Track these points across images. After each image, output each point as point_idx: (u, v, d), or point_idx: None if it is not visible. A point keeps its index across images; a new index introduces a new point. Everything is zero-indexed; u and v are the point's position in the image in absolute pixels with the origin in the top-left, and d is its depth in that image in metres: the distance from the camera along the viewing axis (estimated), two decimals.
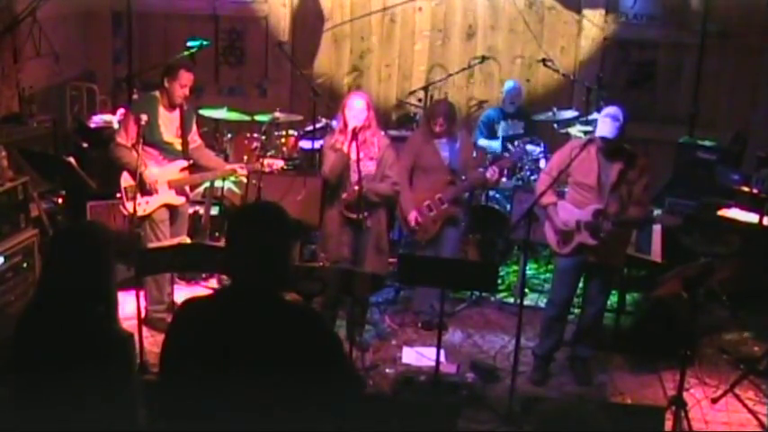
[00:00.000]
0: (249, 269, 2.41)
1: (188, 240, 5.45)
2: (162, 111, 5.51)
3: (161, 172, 5.53)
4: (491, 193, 6.97)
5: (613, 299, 5.99)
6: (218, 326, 2.38)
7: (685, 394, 4.61)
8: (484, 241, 6.89)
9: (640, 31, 8.00)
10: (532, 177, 6.73)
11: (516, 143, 7.00)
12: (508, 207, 6.68)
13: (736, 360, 5.60)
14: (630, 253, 5.59)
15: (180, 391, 2.40)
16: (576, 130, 6.92)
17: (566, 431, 2.09)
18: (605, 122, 4.91)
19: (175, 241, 5.27)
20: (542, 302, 6.06)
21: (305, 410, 2.38)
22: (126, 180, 5.48)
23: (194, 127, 5.80)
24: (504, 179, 6.58)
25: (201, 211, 6.71)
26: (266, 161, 5.78)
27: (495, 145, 7.15)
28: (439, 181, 5.74)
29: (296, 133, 7.16)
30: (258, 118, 7.14)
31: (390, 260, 5.98)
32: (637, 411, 4.61)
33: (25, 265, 5.44)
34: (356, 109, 5.21)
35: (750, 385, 5.22)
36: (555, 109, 7.31)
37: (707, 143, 7.08)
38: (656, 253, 5.70)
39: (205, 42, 7.15)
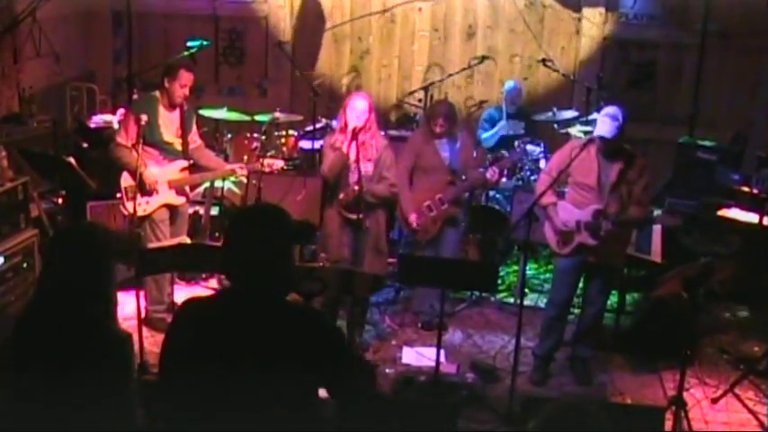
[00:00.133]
0: (249, 271, 2.40)
1: (188, 240, 5.45)
2: (162, 111, 5.51)
3: (161, 172, 5.53)
4: (491, 193, 6.97)
5: (613, 299, 5.99)
6: (219, 327, 2.38)
7: (685, 394, 4.61)
8: (484, 241, 6.89)
9: (640, 31, 8.00)
10: (532, 177, 6.73)
11: (516, 143, 7.00)
12: (508, 207, 6.68)
13: (736, 360, 5.60)
14: (630, 253, 5.59)
15: (180, 392, 2.40)
16: (575, 130, 6.92)
17: (568, 431, 2.09)
18: (604, 122, 4.92)
19: (175, 241, 5.27)
20: (542, 302, 6.06)
21: (307, 410, 2.38)
22: (126, 180, 5.48)
23: (194, 127, 5.80)
24: (504, 179, 6.58)
25: (201, 211, 6.70)
26: (266, 161, 5.78)
27: (494, 131, 7.16)
28: (439, 181, 5.74)
29: (296, 133, 7.16)
30: (258, 118, 7.14)
31: (390, 260, 5.98)
32: (637, 411, 4.61)
33: (25, 265, 5.44)
34: (358, 110, 5.21)
35: (750, 385, 5.22)
36: (555, 109, 7.31)
37: (707, 143, 7.08)
38: (656, 253, 5.70)
39: (205, 42, 7.16)
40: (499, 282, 6.22)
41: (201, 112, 6.81)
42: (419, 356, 5.49)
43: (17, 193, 5.49)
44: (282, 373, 2.32)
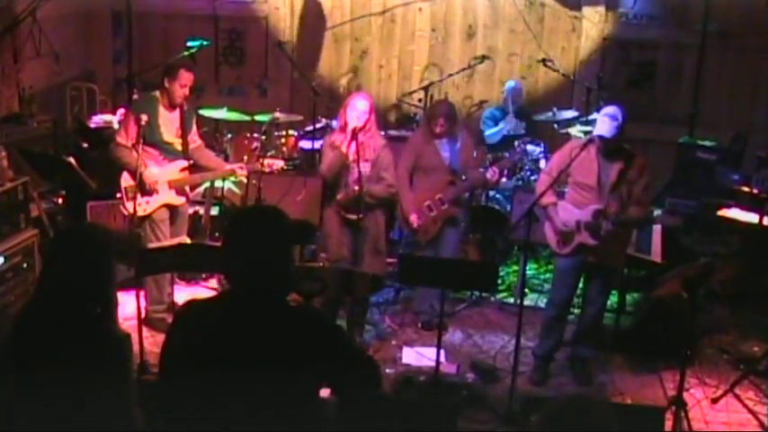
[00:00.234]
0: (248, 273, 2.40)
1: (188, 240, 5.45)
2: (162, 111, 5.51)
3: (161, 172, 5.53)
4: (491, 193, 6.97)
5: (613, 299, 5.99)
6: (219, 328, 2.38)
7: (685, 394, 4.61)
8: (484, 241, 6.89)
9: (640, 31, 8.00)
10: (532, 177, 6.73)
11: (516, 143, 7.00)
12: (508, 207, 6.67)
13: (736, 360, 5.60)
14: (630, 253, 5.59)
15: (180, 393, 2.40)
16: (576, 130, 6.92)
17: (570, 428, 2.08)
18: (604, 122, 4.92)
19: (175, 241, 5.27)
20: (542, 302, 6.06)
21: (308, 411, 2.37)
22: (126, 180, 5.48)
23: (194, 127, 5.80)
24: (504, 179, 6.59)
25: (201, 211, 6.70)
26: (266, 161, 5.78)
27: (499, 128, 7.15)
28: (439, 181, 5.74)
29: (296, 133, 7.16)
30: (258, 118, 7.14)
31: (390, 260, 5.98)
32: (637, 411, 4.61)
33: (25, 265, 5.44)
34: (358, 110, 5.21)
35: (750, 385, 5.22)
36: (555, 109, 7.31)
37: (707, 143, 7.08)
38: (656, 253, 5.70)
39: (205, 42, 7.16)
40: (499, 282, 6.22)
41: (201, 112, 6.81)
42: (419, 356, 5.49)
43: (17, 193, 5.48)
44: (283, 374, 2.32)
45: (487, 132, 7.32)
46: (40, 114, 7.17)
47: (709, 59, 7.75)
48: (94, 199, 6.13)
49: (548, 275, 6.72)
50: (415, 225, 5.69)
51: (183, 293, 6.15)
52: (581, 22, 8.06)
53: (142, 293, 5.32)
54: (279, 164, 5.80)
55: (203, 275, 6.48)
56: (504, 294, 6.54)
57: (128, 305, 5.04)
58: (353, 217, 5.26)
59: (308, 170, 6.71)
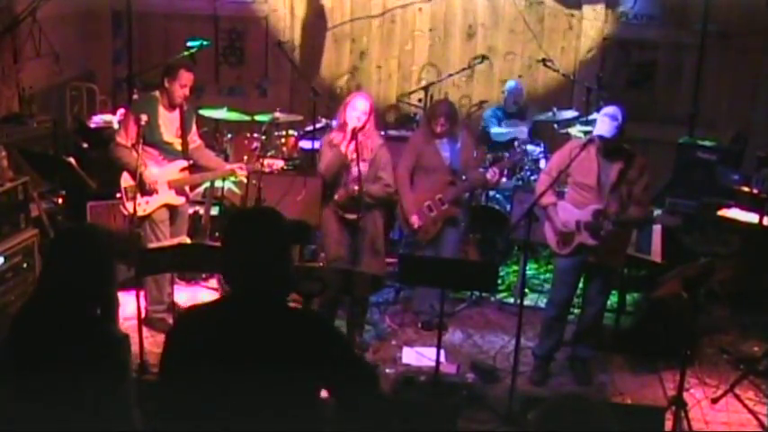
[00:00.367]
0: (248, 275, 2.40)
1: (188, 240, 5.45)
2: (162, 111, 5.51)
3: (161, 172, 5.53)
4: (491, 193, 6.97)
5: (613, 299, 5.99)
6: (219, 332, 2.37)
7: (685, 394, 4.61)
8: (484, 241, 6.89)
9: (640, 31, 8.00)
10: (532, 177, 6.73)
11: (516, 143, 7.00)
12: (508, 207, 6.67)
13: (736, 360, 5.60)
14: (630, 253, 5.59)
15: (180, 397, 2.40)
16: (576, 131, 6.91)
17: (566, 427, 2.08)
18: (604, 122, 4.92)
19: (175, 241, 5.27)
20: (542, 302, 6.06)
21: (309, 413, 2.37)
22: (126, 180, 5.48)
23: (194, 127, 5.80)
24: (504, 179, 6.58)
25: (201, 211, 6.70)
26: (266, 161, 5.78)
27: (509, 131, 7.15)
28: (439, 181, 5.74)
29: (296, 133, 7.16)
30: (258, 118, 7.14)
31: (389, 260, 5.98)
32: (637, 411, 4.61)
33: (25, 265, 5.44)
34: (359, 110, 5.21)
35: (750, 385, 5.22)
36: (555, 109, 7.31)
37: (707, 143, 7.08)
38: (656, 253, 5.70)
39: (205, 42, 7.16)
40: (499, 282, 6.22)
41: (201, 112, 6.81)
42: (419, 356, 5.49)
43: (17, 193, 5.48)
44: (283, 377, 2.31)
45: (494, 130, 7.31)
46: (40, 114, 7.17)
47: (710, 59, 7.75)
48: (94, 199, 6.13)
49: (548, 275, 6.72)
50: (416, 226, 5.70)
51: (183, 293, 6.16)
52: (581, 22, 8.06)
53: (142, 293, 5.32)
54: (279, 164, 5.80)
55: (203, 275, 6.48)
56: (504, 294, 6.54)
57: (128, 305, 5.04)
58: (352, 217, 5.26)
59: (308, 170, 6.71)
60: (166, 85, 5.47)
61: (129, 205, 5.41)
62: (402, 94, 8.20)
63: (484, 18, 8.23)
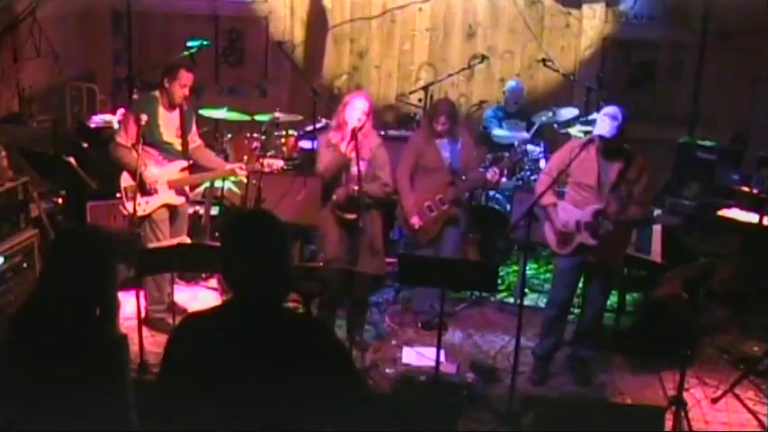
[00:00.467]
0: (249, 283, 2.39)
1: (188, 240, 5.45)
2: (162, 111, 5.51)
3: (161, 172, 5.52)
4: (491, 193, 6.96)
5: (613, 299, 5.99)
6: (222, 338, 2.37)
7: (685, 394, 4.61)
8: (484, 241, 6.89)
9: (640, 31, 8.00)
10: (532, 177, 6.73)
11: (516, 143, 6.99)
12: (508, 207, 6.67)
13: (736, 360, 5.60)
14: (630, 253, 5.59)
15: (180, 401, 2.39)
16: (576, 130, 6.91)
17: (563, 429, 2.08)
18: (604, 122, 4.92)
19: (175, 241, 5.27)
20: (542, 302, 6.06)
21: (308, 419, 2.37)
22: (126, 180, 5.48)
23: (194, 127, 5.80)
24: (504, 179, 6.58)
25: (201, 211, 6.70)
26: (266, 161, 5.77)
27: (512, 134, 7.14)
28: (440, 181, 5.74)
29: (296, 133, 7.16)
30: (258, 118, 7.14)
31: (389, 260, 5.98)
32: (637, 411, 4.61)
33: (25, 265, 5.44)
34: (359, 110, 5.21)
35: (750, 385, 5.22)
36: (555, 109, 7.31)
37: (707, 143, 7.08)
38: (656, 253, 5.70)
39: (205, 42, 7.16)
40: (499, 282, 6.22)
41: (201, 112, 6.81)
42: (419, 356, 5.48)
43: (17, 193, 5.49)
44: (283, 383, 2.31)
45: (496, 132, 7.30)
46: (40, 114, 7.18)
47: (709, 59, 7.76)
48: (94, 199, 6.13)
49: (548, 275, 6.72)
50: (417, 227, 5.69)
51: (183, 293, 6.16)
52: (581, 22, 8.06)
53: (142, 293, 5.32)
54: (279, 164, 5.80)
55: (203, 275, 6.47)
56: (504, 294, 6.53)
57: (128, 305, 5.03)
58: (352, 217, 5.26)
59: (309, 170, 6.71)
60: (166, 85, 5.46)
61: (129, 205, 5.41)
62: (400, 94, 8.20)
63: (484, 18, 8.23)
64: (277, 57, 8.23)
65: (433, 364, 4.98)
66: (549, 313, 5.37)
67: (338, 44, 8.47)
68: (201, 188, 6.44)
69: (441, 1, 8.25)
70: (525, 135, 7.15)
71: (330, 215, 5.36)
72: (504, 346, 5.69)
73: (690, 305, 4.62)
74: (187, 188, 5.71)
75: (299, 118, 7.23)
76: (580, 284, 5.40)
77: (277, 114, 6.96)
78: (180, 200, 5.67)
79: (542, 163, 6.78)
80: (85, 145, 7.12)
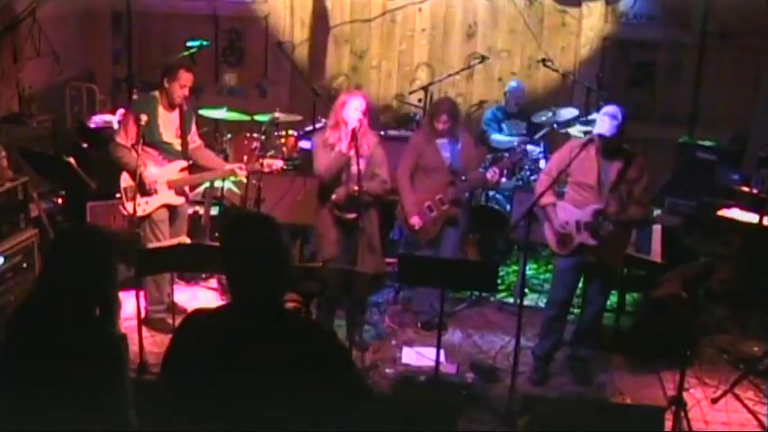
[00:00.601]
0: (249, 284, 2.39)
1: (188, 240, 5.45)
2: (161, 111, 5.51)
3: (160, 172, 5.52)
4: (491, 193, 6.97)
5: (613, 299, 5.99)
6: (224, 339, 2.37)
7: (685, 394, 4.62)
8: (484, 241, 6.89)
9: (640, 31, 8.00)
10: (532, 177, 6.73)
11: (516, 143, 7.00)
12: (508, 207, 6.67)
13: (736, 360, 5.60)
14: (630, 253, 5.59)
15: (180, 401, 2.39)
16: (575, 130, 6.91)
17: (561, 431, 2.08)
18: (604, 121, 4.92)
19: (175, 241, 5.27)
20: (542, 302, 6.06)
21: (308, 420, 2.37)
22: (125, 180, 5.48)
23: (194, 127, 5.80)
24: (504, 179, 6.58)
25: (201, 211, 6.71)
26: (266, 161, 5.77)
27: (511, 139, 7.13)
28: (440, 181, 5.74)
29: (296, 133, 7.16)
30: (258, 118, 7.14)
31: (389, 260, 5.98)
32: (637, 411, 4.61)
33: (25, 265, 5.44)
34: (358, 110, 5.20)
35: (750, 385, 5.21)
36: (555, 109, 7.31)
37: (707, 143, 7.09)
38: (656, 253, 5.70)
39: (205, 42, 7.16)
40: (499, 282, 6.22)
41: (201, 112, 6.81)
42: (419, 356, 5.48)
43: (17, 193, 5.49)
44: (283, 385, 2.31)
45: (495, 137, 7.29)
46: (39, 114, 7.18)
47: (710, 59, 7.76)
48: (94, 199, 6.13)
49: (548, 275, 6.72)
50: (417, 227, 5.69)
51: (183, 293, 6.16)
52: (580, 22, 8.07)
53: (142, 293, 5.32)
54: (278, 164, 5.80)
55: (203, 275, 6.47)
56: (504, 294, 6.53)
57: (128, 305, 5.04)
58: (352, 216, 5.25)
59: (308, 170, 6.71)
60: (166, 85, 5.46)
61: (129, 205, 5.41)
62: (398, 94, 8.20)
63: (483, 18, 8.23)
64: (277, 57, 8.23)
65: (432, 364, 4.98)
66: (548, 313, 5.37)
67: (338, 44, 8.47)
68: (201, 188, 6.44)
69: (440, 1, 8.25)
70: (525, 139, 7.14)
71: (328, 215, 5.35)
72: (504, 346, 5.69)
73: (690, 305, 4.62)
74: (187, 188, 5.71)
75: (299, 118, 7.24)
76: (580, 284, 5.39)
77: (277, 114, 6.96)
78: (179, 200, 5.67)
79: (542, 163, 6.78)
80: (85, 145, 7.13)
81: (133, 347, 4.85)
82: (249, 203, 6.18)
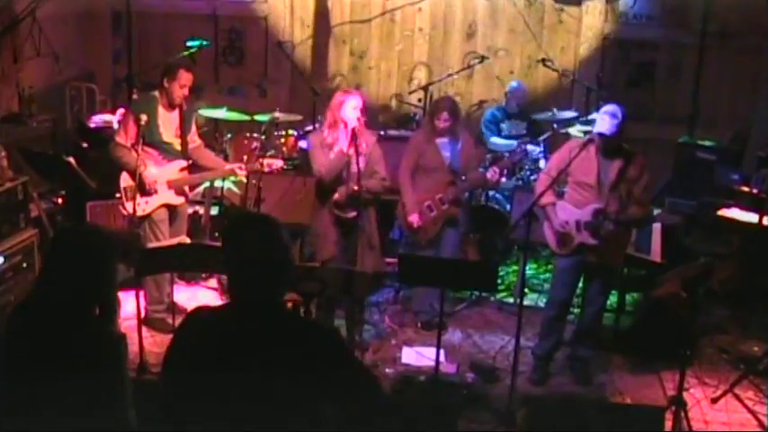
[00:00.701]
0: (252, 284, 2.39)
1: (188, 240, 5.45)
2: (161, 111, 5.51)
3: (160, 172, 5.53)
4: (491, 193, 6.97)
5: (613, 299, 5.99)
6: (227, 338, 2.37)
7: (685, 394, 4.61)
8: (484, 241, 6.89)
9: (640, 31, 8.01)
10: (532, 177, 6.73)
11: (516, 143, 7.00)
12: (508, 207, 6.67)
13: (736, 360, 5.60)
14: (630, 253, 5.59)
15: (180, 400, 2.39)
16: (575, 130, 6.91)
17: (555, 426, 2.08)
18: (604, 119, 4.91)
19: (175, 241, 5.27)
20: (542, 302, 6.05)
21: (309, 421, 2.37)
22: (125, 180, 5.48)
23: (194, 127, 5.80)
24: (504, 179, 6.58)
25: (201, 211, 6.71)
26: (266, 161, 5.77)
27: (509, 143, 7.13)
28: (440, 181, 5.74)
29: (296, 133, 7.16)
30: (258, 118, 7.14)
31: (389, 260, 5.98)
32: (637, 411, 4.61)
33: (25, 265, 5.44)
34: (356, 109, 5.19)
35: (750, 385, 5.21)
36: (555, 109, 7.31)
37: (707, 143, 7.09)
38: (655, 253, 5.70)
39: (205, 42, 7.16)
40: (499, 282, 6.22)
41: (201, 112, 6.81)
42: (419, 356, 5.48)
43: (17, 193, 5.49)
44: (286, 385, 2.31)
45: (493, 140, 7.29)
46: (39, 114, 7.18)
47: (709, 59, 7.76)
48: (94, 199, 6.13)
49: (548, 275, 6.72)
50: (416, 225, 5.69)
51: (182, 293, 6.16)
52: (580, 22, 8.07)
53: (142, 293, 5.32)
54: (278, 164, 5.80)
55: (203, 275, 6.47)
56: (504, 294, 6.53)
57: (128, 305, 5.04)
58: (352, 215, 5.25)
59: (308, 170, 6.71)
60: (166, 85, 5.46)
61: (129, 205, 5.41)
62: (396, 94, 8.20)
63: (483, 17, 8.23)
64: (277, 57, 8.23)
65: (432, 364, 4.97)
66: (548, 313, 5.37)
67: (338, 44, 8.47)
68: (201, 188, 6.44)
69: (440, 1, 8.25)
70: (523, 143, 7.13)
71: (328, 215, 5.33)
72: (503, 346, 5.69)
73: (690, 305, 4.62)
74: (186, 188, 5.71)
75: (299, 118, 7.24)
76: (580, 284, 5.39)
77: (277, 114, 6.96)
78: (179, 200, 5.67)
79: (542, 163, 6.78)
80: (85, 145, 7.13)
81: (133, 347, 4.85)
82: (249, 203, 6.17)
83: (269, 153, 6.67)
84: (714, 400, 5.05)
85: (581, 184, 5.04)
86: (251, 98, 8.40)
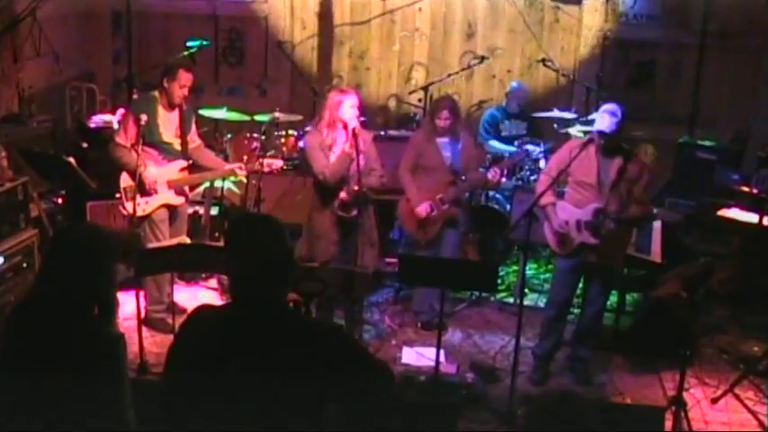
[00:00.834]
0: (253, 284, 2.39)
1: (188, 240, 5.45)
2: (161, 111, 5.51)
3: (160, 172, 5.52)
4: (491, 193, 6.97)
5: (613, 299, 5.99)
6: (229, 337, 2.37)
7: (685, 394, 4.61)
8: (484, 241, 6.89)
9: (640, 31, 8.01)
10: (532, 177, 6.73)
11: (516, 143, 7.00)
12: (508, 207, 6.67)
13: (736, 360, 5.60)
14: (630, 253, 5.59)
15: (182, 399, 2.39)
16: (575, 130, 6.92)
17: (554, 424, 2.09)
18: (603, 118, 4.91)
19: (175, 241, 5.27)
20: (542, 302, 6.05)
21: (310, 421, 2.36)
22: (125, 180, 5.48)
23: (194, 127, 5.80)
24: (504, 179, 6.58)
25: (201, 211, 6.70)
26: (266, 161, 5.77)
27: (506, 148, 7.13)
28: (440, 181, 5.74)
29: (296, 133, 7.16)
30: (258, 118, 7.14)
31: (389, 260, 5.97)
32: (637, 411, 4.61)
33: (25, 265, 5.44)
34: (354, 108, 5.18)
35: (750, 385, 5.22)
36: (555, 110, 7.31)
37: (707, 143, 7.09)
38: (655, 253, 5.70)
39: (205, 42, 7.16)
40: (499, 282, 6.22)
41: (201, 112, 6.81)
42: (419, 356, 5.49)
43: (17, 193, 5.49)
44: (289, 385, 2.31)
45: (492, 143, 7.28)
46: (39, 114, 7.17)
47: (709, 59, 7.76)
48: (94, 199, 6.13)
49: (548, 275, 6.72)
50: (423, 215, 5.66)
51: (182, 293, 6.16)
52: (580, 21, 8.07)
53: (142, 293, 5.32)
54: (278, 164, 5.80)
55: (203, 275, 6.47)
56: (504, 294, 6.53)
57: (128, 305, 5.05)
58: (354, 214, 5.24)
59: (308, 170, 6.71)
60: (166, 85, 5.46)
61: (129, 205, 5.41)
62: (395, 94, 8.20)
63: (483, 18, 8.24)
64: (277, 57, 8.23)
65: (432, 364, 4.98)
66: (548, 313, 5.37)
67: (338, 44, 8.47)
68: (201, 188, 6.44)
69: (440, 1, 8.26)
70: (522, 144, 7.13)
71: (330, 216, 5.32)
72: (503, 346, 5.70)
73: (689, 305, 4.61)
74: (187, 188, 5.71)
75: (299, 118, 7.24)
76: (580, 284, 5.39)
77: (277, 114, 6.96)
78: (179, 200, 5.67)
79: (542, 163, 6.78)
80: (85, 145, 7.13)
81: (133, 347, 4.86)
82: (249, 203, 6.18)
83: (269, 153, 6.68)
84: (714, 401, 5.05)
85: (581, 183, 5.04)
86: (251, 98, 8.40)
